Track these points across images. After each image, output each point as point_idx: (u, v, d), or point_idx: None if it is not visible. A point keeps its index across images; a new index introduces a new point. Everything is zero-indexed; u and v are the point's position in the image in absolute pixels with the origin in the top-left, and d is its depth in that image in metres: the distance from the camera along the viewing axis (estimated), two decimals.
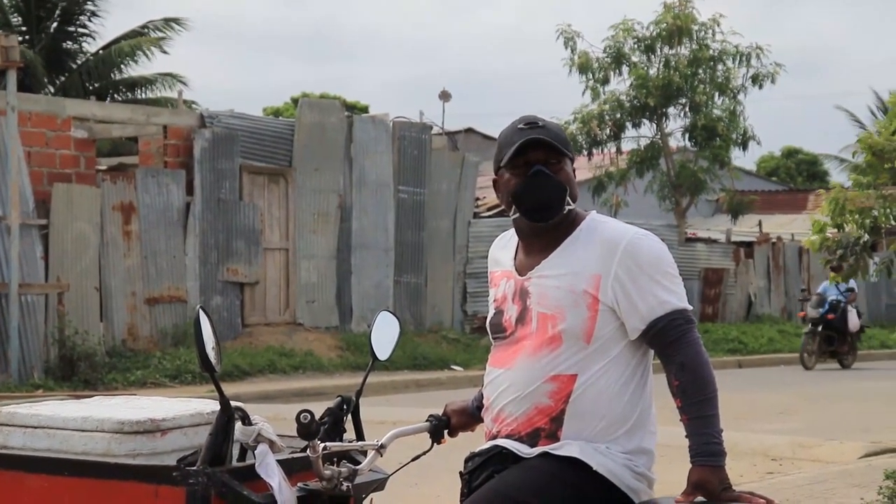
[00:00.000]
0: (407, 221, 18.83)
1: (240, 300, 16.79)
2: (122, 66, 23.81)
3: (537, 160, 2.75)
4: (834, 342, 19.19)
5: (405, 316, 18.05)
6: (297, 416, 2.70)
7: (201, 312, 2.72)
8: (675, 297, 2.73)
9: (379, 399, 13.29)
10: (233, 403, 2.79)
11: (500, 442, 2.77)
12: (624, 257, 2.71)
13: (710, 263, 23.95)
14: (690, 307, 2.76)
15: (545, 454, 2.71)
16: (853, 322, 19.40)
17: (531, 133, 2.76)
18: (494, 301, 2.89)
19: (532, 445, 2.74)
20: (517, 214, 2.80)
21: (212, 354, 2.73)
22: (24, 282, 13.88)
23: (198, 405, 3.21)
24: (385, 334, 3.17)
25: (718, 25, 23.34)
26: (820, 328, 18.96)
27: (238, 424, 2.78)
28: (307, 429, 2.70)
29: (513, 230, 2.92)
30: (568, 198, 2.77)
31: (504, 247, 2.93)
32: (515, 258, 2.86)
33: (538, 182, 2.74)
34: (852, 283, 18.64)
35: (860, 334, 20.07)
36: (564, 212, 2.77)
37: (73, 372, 14.02)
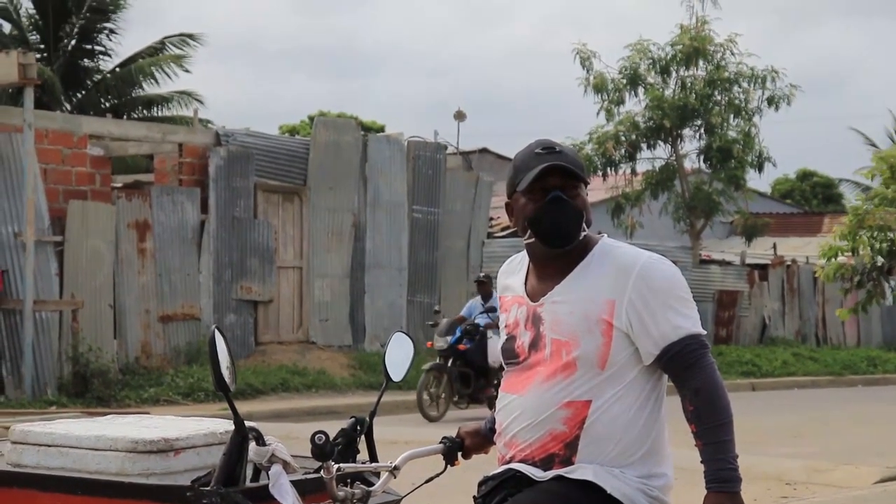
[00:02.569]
0: (421, 241, 18.85)
1: (253, 318, 16.81)
2: (141, 84, 23.91)
3: (555, 186, 2.75)
4: (471, 382, 13.85)
5: (418, 336, 18.01)
6: (312, 437, 2.70)
7: (216, 332, 2.73)
8: (689, 321, 2.72)
9: (391, 419, 13.27)
10: (247, 423, 2.79)
11: (514, 466, 2.77)
12: (637, 282, 2.71)
13: (724, 286, 23.89)
14: (704, 332, 2.75)
15: (559, 477, 2.70)
16: (493, 354, 13.55)
17: (549, 158, 2.76)
18: (506, 326, 2.88)
19: (546, 470, 2.73)
20: (532, 239, 2.79)
21: (226, 374, 2.74)
22: (38, 298, 13.92)
23: (211, 425, 3.22)
24: (399, 355, 3.17)
25: (735, 45, 23.36)
26: (451, 362, 13.74)
27: (252, 444, 2.78)
28: (321, 450, 2.70)
29: (522, 254, 2.92)
30: (584, 223, 2.77)
31: (514, 272, 2.92)
32: (527, 283, 2.86)
33: (556, 208, 2.74)
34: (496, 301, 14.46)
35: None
36: (580, 237, 2.77)
37: (87, 389, 14.05)
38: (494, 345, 13.30)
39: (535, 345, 2.78)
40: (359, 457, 2.99)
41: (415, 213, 18.78)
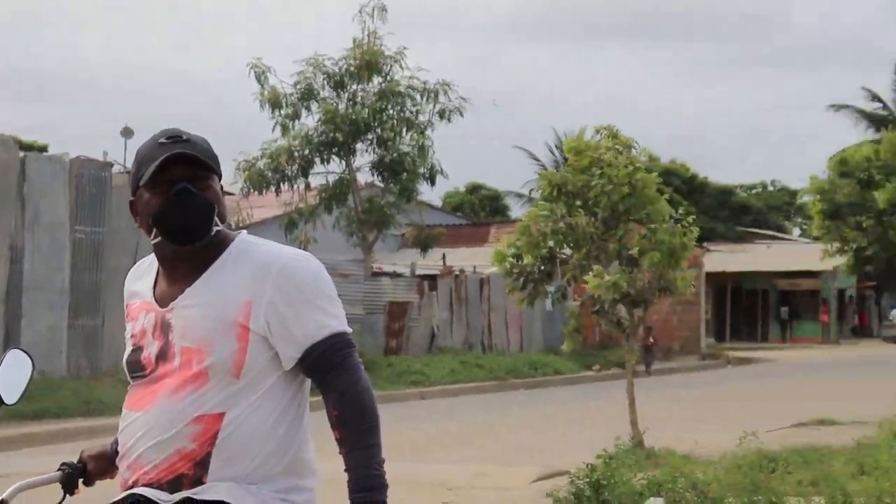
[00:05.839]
0: (84, 262, 17.98)
1: None
2: None
3: (182, 177, 2.49)
4: None
5: (81, 361, 17.21)
6: None
7: None
8: (336, 320, 2.53)
9: (41, 450, 12.39)
10: None
11: (138, 490, 2.49)
12: (279, 280, 2.49)
13: (395, 297, 24.25)
14: (350, 330, 2.57)
15: (187, 500, 2.45)
16: None
17: (174, 147, 2.50)
18: (132, 337, 2.59)
19: (173, 493, 2.46)
20: (158, 238, 2.53)
21: None
22: None
23: None
24: (14, 375, 2.81)
25: (405, 58, 23.76)
26: None
27: None
28: None
29: (151, 256, 2.65)
30: (216, 218, 2.53)
31: (141, 276, 2.65)
32: (156, 287, 2.59)
33: (183, 201, 2.48)
34: None
35: None
36: (212, 233, 2.53)
37: None
38: None
39: (163, 355, 2.52)
40: None
41: (77, 233, 17.89)
